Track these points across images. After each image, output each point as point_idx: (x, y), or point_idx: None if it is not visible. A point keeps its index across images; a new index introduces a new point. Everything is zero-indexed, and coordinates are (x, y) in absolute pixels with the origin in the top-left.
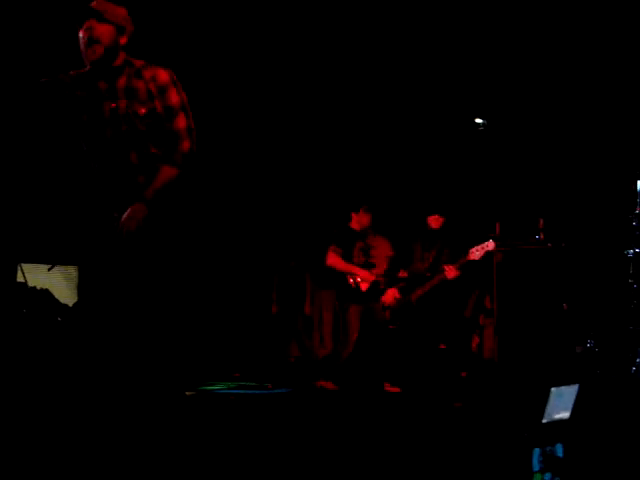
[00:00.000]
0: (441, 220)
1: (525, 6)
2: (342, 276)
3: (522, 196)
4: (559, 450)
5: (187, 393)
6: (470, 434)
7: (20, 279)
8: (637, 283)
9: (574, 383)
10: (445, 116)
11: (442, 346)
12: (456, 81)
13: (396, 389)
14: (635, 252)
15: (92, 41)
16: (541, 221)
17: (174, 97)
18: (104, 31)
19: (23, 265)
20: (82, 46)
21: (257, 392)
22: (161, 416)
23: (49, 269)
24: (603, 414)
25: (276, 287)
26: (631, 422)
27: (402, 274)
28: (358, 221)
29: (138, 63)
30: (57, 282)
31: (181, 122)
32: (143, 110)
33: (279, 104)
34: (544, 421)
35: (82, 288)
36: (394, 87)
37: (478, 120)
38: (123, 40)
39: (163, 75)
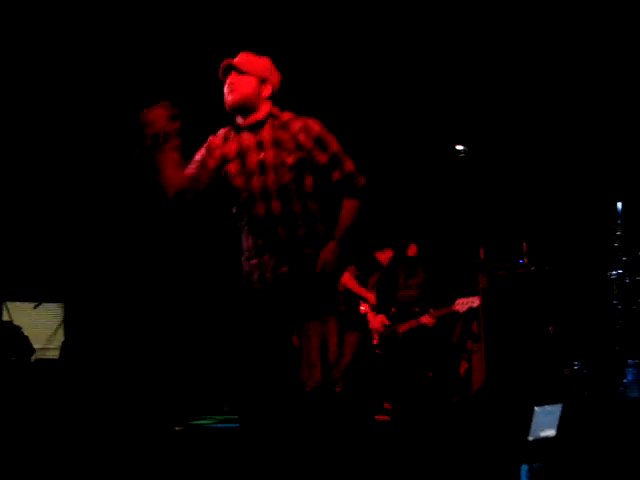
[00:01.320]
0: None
1: (502, 33)
2: (353, 300)
3: (505, 220)
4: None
5: (177, 428)
6: (460, 457)
7: (5, 318)
8: (621, 304)
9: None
10: (427, 144)
11: (430, 374)
12: (437, 108)
13: (385, 417)
14: (618, 273)
15: (231, 89)
16: (525, 245)
17: (335, 144)
18: (245, 82)
19: (8, 304)
20: (225, 97)
21: None
22: (151, 451)
23: (34, 307)
24: (589, 432)
25: None
26: (618, 441)
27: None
28: (385, 257)
29: (285, 116)
30: (42, 320)
31: (349, 164)
32: (291, 159)
33: None
34: (530, 438)
35: (69, 326)
36: (378, 116)
37: (459, 147)
38: (266, 91)
39: (315, 126)
